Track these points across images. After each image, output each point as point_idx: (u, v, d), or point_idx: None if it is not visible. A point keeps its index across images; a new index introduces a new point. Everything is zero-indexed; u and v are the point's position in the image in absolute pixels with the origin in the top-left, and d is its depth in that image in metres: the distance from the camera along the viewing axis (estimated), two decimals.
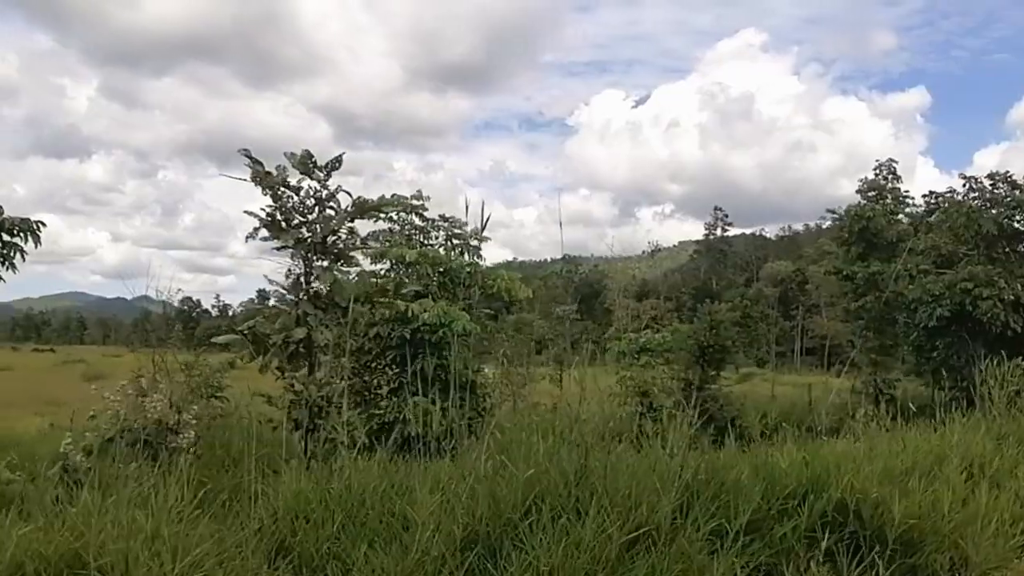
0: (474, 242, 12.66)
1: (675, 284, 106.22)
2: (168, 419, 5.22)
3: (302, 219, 7.68)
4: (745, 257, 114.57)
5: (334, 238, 7.77)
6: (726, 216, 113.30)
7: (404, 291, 11.52)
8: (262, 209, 7.42)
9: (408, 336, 10.65)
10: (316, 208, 7.66)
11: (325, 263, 7.74)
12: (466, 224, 12.76)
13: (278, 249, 7.72)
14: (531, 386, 21.84)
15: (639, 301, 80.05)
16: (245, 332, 7.53)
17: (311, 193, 7.69)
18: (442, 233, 12.71)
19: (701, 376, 20.92)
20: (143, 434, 5.35)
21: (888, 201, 27.56)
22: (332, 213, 7.82)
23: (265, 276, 7.66)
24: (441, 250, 12.52)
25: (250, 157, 7.63)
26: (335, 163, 7.65)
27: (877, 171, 28.30)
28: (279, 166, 7.65)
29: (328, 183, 7.71)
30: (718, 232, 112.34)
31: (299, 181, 7.62)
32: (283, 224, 7.58)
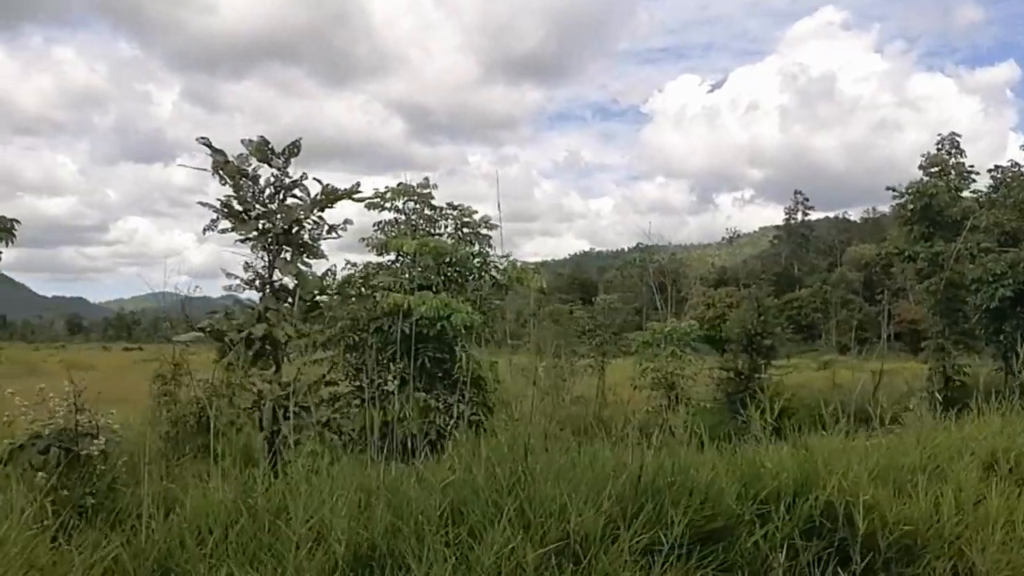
0: (484, 231, 12.16)
1: (754, 271, 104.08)
2: (69, 423, 4.86)
3: (263, 209, 7.28)
4: (828, 241, 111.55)
5: (298, 228, 7.35)
6: (806, 200, 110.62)
7: (400, 284, 11.11)
8: (217, 199, 7.04)
9: (407, 330, 10.20)
10: (276, 197, 7.25)
11: (289, 256, 7.33)
12: (475, 212, 12.30)
13: (241, 241, 7.34)
14: (574, 379, 21.38)
15: (716, 289, 78.65)
16: (207, 329, 7.18)
17: (271, 182, 7.29)
18: (451, 222, 12.24)
19: (750, 365, 20.11)
20: (53, 440, 4.99)
21: (952, 177, 25.89)
22: (296, 202, 7.42)
23: (223, 270, 7.29)
24: (448, 240, 12.04)
25: (209, 146, 7.28)
26: (292, 149, 7.24)
27: (939, 146, 26.60)
28: (240, 155, 7.28)
29: (288, 171, 7.30)
30: (799, 217, 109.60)
31: (255, 169, 7.23)
32: (243, 215, 7.19)
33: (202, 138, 7.29)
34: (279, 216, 7.25)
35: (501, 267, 12.11)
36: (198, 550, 3.96)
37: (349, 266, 11.82)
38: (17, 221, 8.06)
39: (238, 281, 7.19)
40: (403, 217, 12.00)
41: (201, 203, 7.07)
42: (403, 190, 11.92)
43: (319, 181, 7.78)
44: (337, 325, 11.17)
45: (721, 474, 5.80)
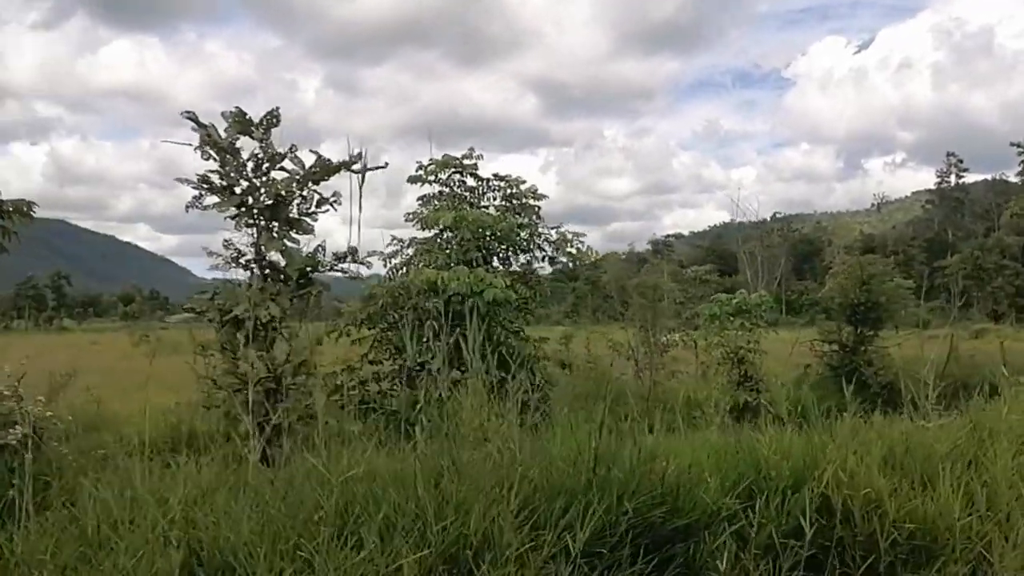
0: (532, 201, 11.57)
1: (903, 237, 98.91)
2: None
3: (247, 183, 6.99)
4: (984, 205, 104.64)
5: (284, 203, 7.03)
6: (960, 162, 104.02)
7: (435, 259, 10.69)
8: (196, 174, 6.79)
9: (441, 308, 9.79)
10: (257, 170, 6.94)
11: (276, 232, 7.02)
12: (523, 182, 11.70)
13: (229, 218, 7.08)
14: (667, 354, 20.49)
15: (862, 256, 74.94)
16: (197, 310, 6.96)
17: (254, 155, 6.99)
18: (498, 194, 11.71)
19: (854, 337, 18.74)
20: None
21: None
22: (281, 176, 7.10)
23: (204, 248, 7.05)
24: (494, 212, 11.51)
25: (195, 120, 7.04)
26: (271, 119, 6.90)
27: None
28: (226, 127, 7.01)
29: (270, 142, 6.97)
30: (952, 180, 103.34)
31: (234, 142, 6.94)
32: (227, 190, 6.92)
33: (187, 112, 7.05)
34: (262, 191, 6.93)
35: (552, 239, 11.52)
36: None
37: (395, 242, 11.53)
38: (35, 203, 8.01)
39: (221, 260, 6.91)
40: (447, 190, 11.57)
41: (179, 179, 6.83)
42: (446, 161, 11.47)
43: (316, 153, 7.45)
44: (378, 303, 10.88)
45: (703, 461, 5.16)
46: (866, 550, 4.63)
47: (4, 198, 8.31)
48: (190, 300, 7.04)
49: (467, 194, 11.60)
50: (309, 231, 6.95)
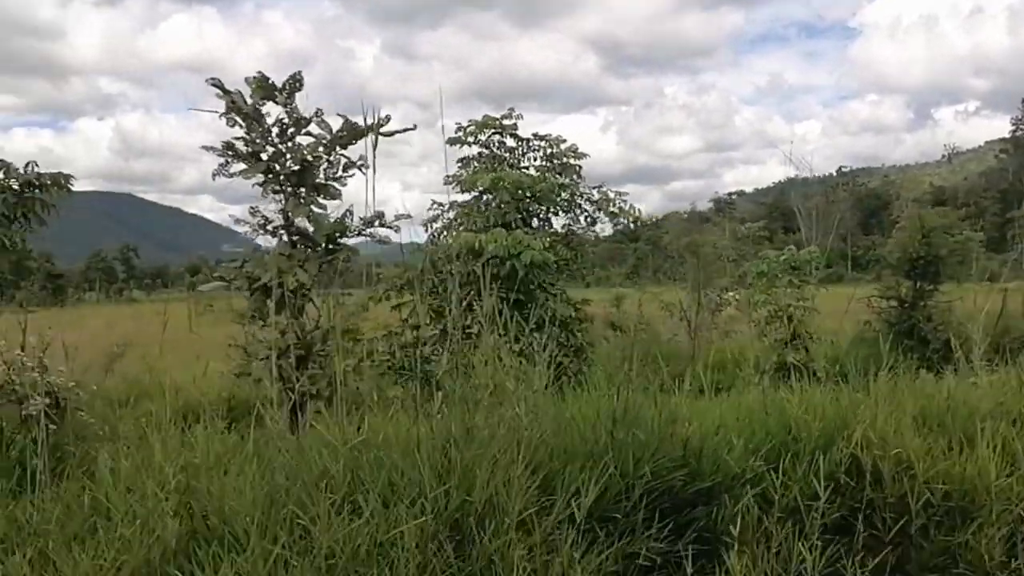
0: (573, 160, 11.36)
1: (975, 189, 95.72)
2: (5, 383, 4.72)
3: (273, 148, 6.96)
4: None
5: (309, 167, 6.99)
6: None
7: (473, 222, 10.59)
8: (221, 141, 6.77)
9: (478, 271, 9.69)
10: (281, 136, 6.90)
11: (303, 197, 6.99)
12: (564, 141, 11.49)
13: (257, 185, 7.07)
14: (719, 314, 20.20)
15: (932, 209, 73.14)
16: (226, 278, 6.99)
17: (279, 120, 6.95)
18: (538, 154, 11.52)
19: (913, 292, 18.17)
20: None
21: None
22: (306, 141, 7.05)
23: (231, 215, 7.06)
24: (533, 172, 11.34)
25: (220, 87, 7.01)
26: (294, 83, 6.84)
27: None
28: (250, 92, 6.98)
29: (294, 107, 6.92)
30: None
31: (259, 108, 6.90)
32: (250, 155, 6.90)
33: (212, 79, 7.03)
34: (288, 156, 6.90)
35: (594, 199, 11.32)
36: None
37: (436, 206, 11.47)
38: (72, 176, 8.08)
39: (248, 228, 6.92)
40: (487, 152, 11.43)
41: (204, 147, 6.83)
42: (486, 122, 11.32)
43: (344, 117, 7.37)
44: (418, 267, 10.86)
45: (729, 423, 5.01)
46: (898, 512, 4.45)
47: (41, 171, 8.44)
48: (219, 268, 7.06)
49: (507, 155, 11.44)
50: (336, 196, 6.90)
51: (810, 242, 16.13)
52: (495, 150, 11.45)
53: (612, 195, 11.29)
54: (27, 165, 8.23)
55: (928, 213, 20.11)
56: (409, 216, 6.99)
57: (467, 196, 11.19)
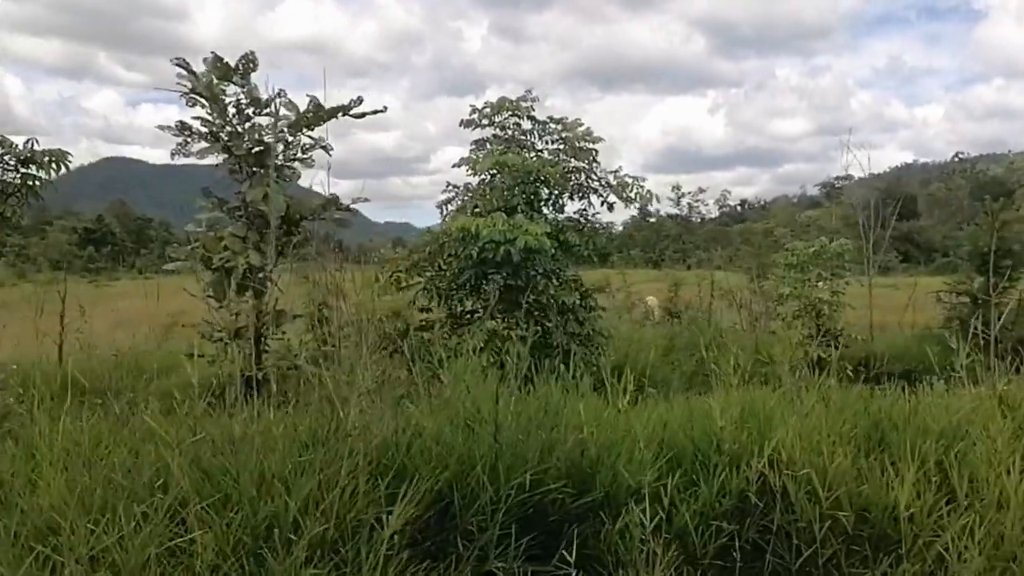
0: (586, 143, 10.90)
1: None
2: None
3: (232, 129, 6.81)
4: None
5: (266, 149, 6.82)
6: None
7: (475, 205, 10.30)
8: (177, 121, 6.66)
9: (474, 256, 9.43)
10: (239, 116, 6.74)
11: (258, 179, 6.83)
12: (581, 124, 11.03)
13: (218, 166, 6.95)
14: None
15: None
16: (180, 259, 6.90)
17: (237, 101, 6.79)
18: (553, 137, 11.09)
19: (985, 289, 17.07)
20: None
21: None
22: (266, 121, 6.88)
23: (204, 188, 6.94)
24: (547, 155, 10.94)
25: (184, 67, 6.90)
26: (248, 63, 6.66)
27: None
28: (204, 72, 6.84)
29: (251, 87, 6.75)
30: None
31: (221, 88, 6.75)
32: (210, 136, 6.77)
33: (177, 59, 6.91)
34: (246, 138, 6.74)
35: (613, 183, 10.86)
36: None
37: (451, 188, 11.20)
38: (69, 153, 8.09)
39: (206, 205, 6.79)
40: (502, 134, 11.07)
41: (160, 127, 6.72)
42: (501, 104, 10.97)
43: (314, 97, 7.19)
44: (426, 250, 10.65)
45: (639, 431, 4.63)
46: (810, 538, 4.02)
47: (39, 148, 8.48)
48: (173, 250, 6.97)
49: (523, 137, 11.08)
50: (291, 178, 6.71)
51: (867, 234, 15.21)
52: (512, 132, 11.08)
53: (629, 180, 10.81)
54: (27, 142, 8.27)
55: (1000, 206, 18.83)
56: (367, 200, 6.73)
57: (474, 180, 10.88)
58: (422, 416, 4.49)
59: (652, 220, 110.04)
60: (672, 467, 4.33)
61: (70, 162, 8.26)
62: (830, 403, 4.78)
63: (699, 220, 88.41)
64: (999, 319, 16.51)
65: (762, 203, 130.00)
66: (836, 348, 11.92)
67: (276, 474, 3.47)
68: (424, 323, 10.47)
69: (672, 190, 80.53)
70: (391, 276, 10.58)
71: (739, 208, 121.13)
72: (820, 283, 12.10)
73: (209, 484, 3.47)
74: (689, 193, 79.89)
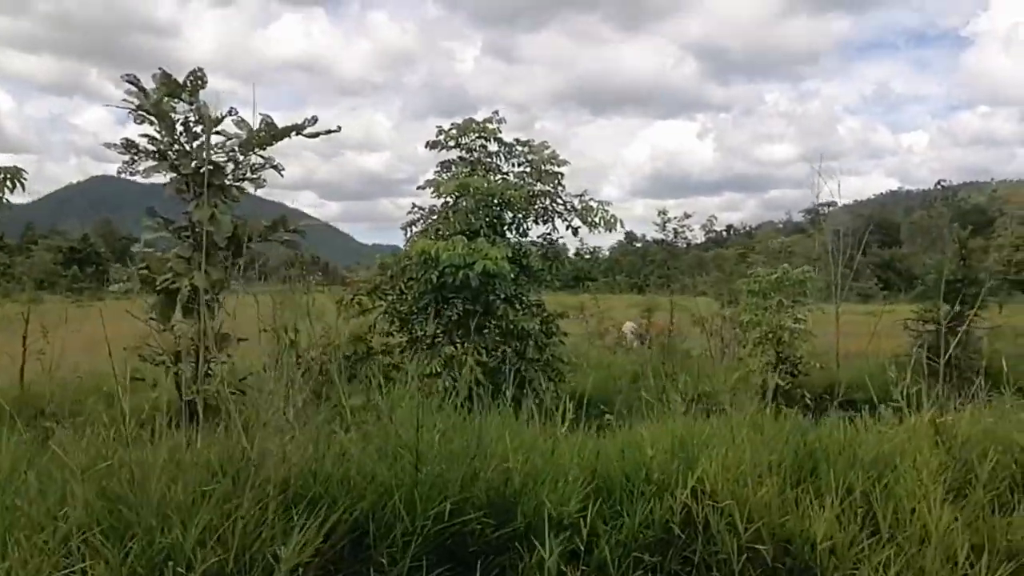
0: (552, 167, 10.87)
1: None
2: None
3: (180, 148, 6.76)
4: None
5: (216, 168, 6.76)
6: None
7: (436, 229, 10.25)
8: (122, 139, 6.60)
9: (434, 280, 9.37)
10: (188, 134, 6.69)
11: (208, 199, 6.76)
12: (547, 147, 11.01)
13: (165, 185, 6.88)
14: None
15: None
16: (122, 279, 6.82)
17: (185, 119, 6.74)
18: (519, 160, 11.06)
19: (950, 317, 17.13)
20: None
21: None
22: (217, 140, 6.83)
23: (149, 208, 6.86)
24: (512, 177, 10.91)
25: (134, 84, 6.84)
26: (196, 80, 6.61)
27: None
28: (154, 88, 6.79)
29: (199, 104, 6.70)
30: None
31: (170, 105, 6.69)
32: (156, 154, 6.71)
33: (127, 75, 6.86)
34: (193, 156, 6.68)
35: (578, 208, 10.83)
36: None
37: (416, 210, 11.15)
38: (24, 171, 8.01)
39: (151, 225, 6.72)
40: (468, 156, 11.03)
41: (106, 144, 6.66)
42: (468, 126, 10.94)
43: (268, 117, 7.16)
44: (388, 273, 10.58)
45: (566, 460, 4.57)
46: (731, 571, 3.96)
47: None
48: (115, 271, 6.89)
49: (489, 159, 11.05)
50: (235, 199, 6.65)
51: (832, 260, 15.21)
52: (477, 155, 11.05)
53: (594, 204, 10.79)
54: None
55: (968, 234, 18.94)
56: (319, 222, 6.66)
57: (439, 202, 10.82)
58: (351, 444, 4.42)
59: (638, 245, 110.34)
60: (602, 497, 4.30)
61: (25, 180, 8.17)
62: (764, 432, 4.73)
63: (685, 245, 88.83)
64: (957, 346, 16.59)
65: (748, 228, 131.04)
66: (795, 376, 12.00)
67: (178, 503, 3.39)
68: (385, 347, 10.40)
69: (658, 215, 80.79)
70: (353, 299, 10.51)
71: (725, 234, 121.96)
72: (782, 311, 12.08)
73: (112, 513, 3.39)
74: (675, 218, 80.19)
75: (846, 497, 4.13)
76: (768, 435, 4.64)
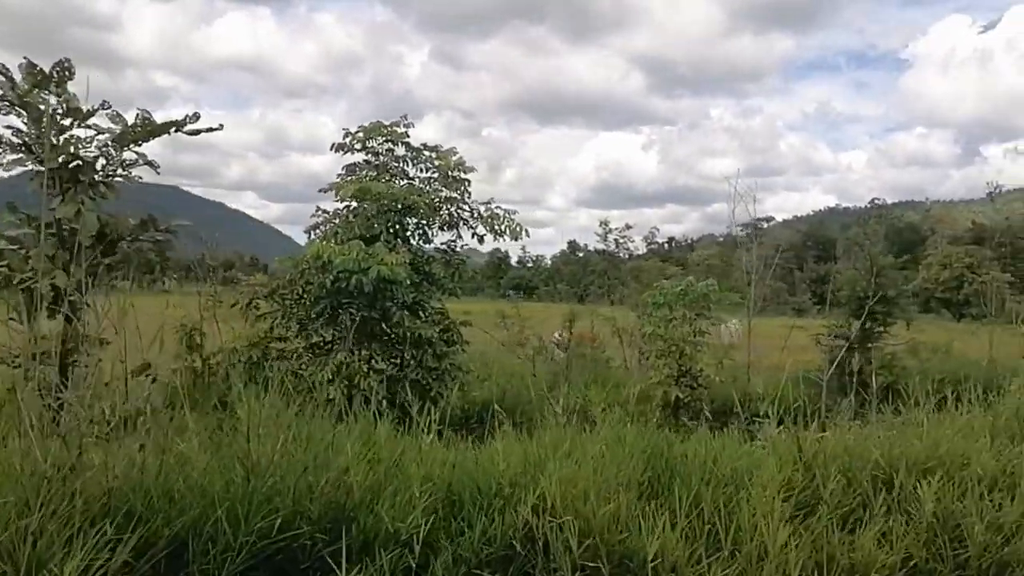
0: (458, 173, 10.75)
1: (1013, 229, 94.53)
2: None
3: (47, 141, 6.45)
4: None
5: (82, 164, 6.47)
6: None
7: (333, 232, 10.05)
8: None
9: (328, 285, 9.16)
10: (54, 127, 6.39)
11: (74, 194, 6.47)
12: (455, 154, 10.88)
13: (31, 179, 6.57)
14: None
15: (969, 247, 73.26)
16: None
17: (52, 111, 6.43)
18: (427, 165, 10.90)
19: (861, 334, 17.48)
20: None
21: None
22: (85, 134, 6.54)
23: (9, 203, 6.55)
24: (419, 183, 10.76)
25: (2, 73, 6.51)
26: (63, 71, 6.32)
27: None
28: (20, 79, 6.47)
29: (68, 97, 6.41)
30: None
31: (37, 97, 6.39)
32: (21, 146, 6.40)
33: None
34: (61, 150, 6.39)
35: (484, 215, 10.71)
36: None
37: (319, 213, 10.90)
38: None
39: (13, 221, 6.41)
40: (374, 160, 10.83)
41: None
42: (375, 129, 10.74)
43: (146, 112, 6.91)
44: (286, 277, 10.33)
45: (412, 473, 4.43)
46: None
47: None
48: None
49: (396, 164, 10.86)
50: (104, 196, 6.37)
51: (750, 277, 15.37)
52: (384, 159, 10.86)
53: (500, 212, 10.69)
54: None
55: (879, 253, 19.40)
56: (189, 224, 6.44)
57: (341, 205, 10.61)
58: (196, 455, 4.23)
59: (581, 255, 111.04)
60: (452, 511, 4.19)
61: None
62: (626, 446, 4.65)
63: (626, 256, 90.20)
64: (870, 363, 16.81)
65: (689, 241, 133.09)
66: (693, 389, 12.07)
67: None
68: (282, 353, 10.13)
69: (600, 225, 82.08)
70: (249, 303, 10.23)
71: (666, 246, 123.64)
72: (684, 323, 12.13)
73: None
74: (616, 229, 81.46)
75: (699, 513, 4.07)
76: (629, 449, 4.56)
